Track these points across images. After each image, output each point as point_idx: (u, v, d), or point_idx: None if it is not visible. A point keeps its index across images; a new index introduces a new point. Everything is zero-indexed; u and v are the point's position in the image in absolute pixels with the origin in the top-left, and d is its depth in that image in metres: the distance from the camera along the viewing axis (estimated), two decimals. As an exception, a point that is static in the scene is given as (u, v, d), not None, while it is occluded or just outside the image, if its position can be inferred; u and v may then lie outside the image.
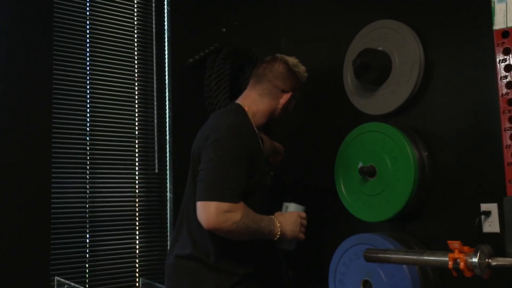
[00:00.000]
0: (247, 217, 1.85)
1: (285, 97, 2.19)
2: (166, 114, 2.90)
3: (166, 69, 2.91)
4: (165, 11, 2.92)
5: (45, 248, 2.31)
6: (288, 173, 2.78)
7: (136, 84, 2.83)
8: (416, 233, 2.28)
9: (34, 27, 2.45)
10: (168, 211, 2.79)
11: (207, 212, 1.79)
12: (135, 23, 2.87)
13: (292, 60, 2.24)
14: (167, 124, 2.88)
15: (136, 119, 2.83)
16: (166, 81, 2.91)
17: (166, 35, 2.92)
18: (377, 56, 2.34)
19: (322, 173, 2.61)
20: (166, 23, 2.92)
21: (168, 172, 2.83)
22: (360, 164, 2.32)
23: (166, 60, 2.91)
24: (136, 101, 2.85)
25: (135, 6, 2.86)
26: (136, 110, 2.84)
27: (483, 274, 1.58)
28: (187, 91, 2.88)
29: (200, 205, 1.82)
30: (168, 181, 2.83)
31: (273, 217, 2.02)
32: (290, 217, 2.07)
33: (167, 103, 2.89)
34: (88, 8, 2.68)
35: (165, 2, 2.93)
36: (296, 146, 2.80)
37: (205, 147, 1.93)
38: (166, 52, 2.91)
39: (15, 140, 2.35)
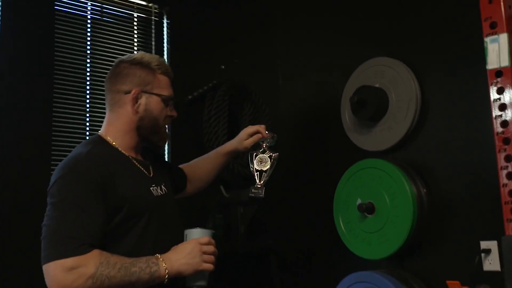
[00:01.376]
0: (106, 266, 1.47)
1: (131, 96, 1.73)
2: (165, 151, 2.88)
3: None
4: (165, 48, 2.96)
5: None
6: (285, 208, 2.76)
7: None
8: (415, 270, 2.25)
9: (34, 58, 2.50)
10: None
11: (49, 276, 1.44)
12: None
13: (133, 55, 1.83)
14: (166, 159, 2.87)
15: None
16: None
17: None
18: (374, 93, 2.36)
19: (320, 209, 2.59)
20: (165, 59, 2.95)
21: None
22: (359, 201, 2.30)
23: None
24: None
25: (135, 43, 2.90)
26: None
27: (483, 314, 1.55)
28: (186, 127, 2.88)
29: (43, 270, 1.47)
30: None
31: (158, 255, 1.61)
32: (183, 249, 1.64)
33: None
34: (89, 47, 2.71)
35: (165, 39, 2.97)
36: (294, 182, 2.78)
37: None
38: None
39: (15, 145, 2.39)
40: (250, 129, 2.08)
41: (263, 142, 1.97)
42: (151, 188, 1.73)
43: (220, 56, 3.03)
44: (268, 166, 1.91)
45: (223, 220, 2.79)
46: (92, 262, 1.45)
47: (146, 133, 1.77)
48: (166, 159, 2.86)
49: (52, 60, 2.55)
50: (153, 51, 2.93)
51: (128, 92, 1.73)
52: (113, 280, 1.47)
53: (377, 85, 2.39)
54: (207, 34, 3.06)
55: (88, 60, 2.69)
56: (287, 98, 2.98)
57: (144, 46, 2.93)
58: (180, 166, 2.19)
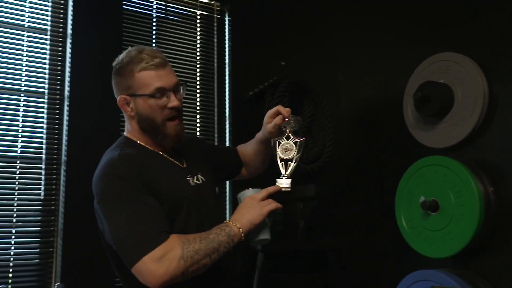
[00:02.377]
0: (188, 243, 1.50)
1: (120, 105, 1.70)
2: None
3: (227, 101, 2.98)
4: (226, 45, 3.01)
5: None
6: (345, 205, 2.74)
7: (198, 116, 2.89)
8: (481, 270, 2.19)
9: (104, 56, 2.52)
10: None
11: (144, 273, 1.46)
12: (198, 57, 2.96)
13: (117, 60, 1.72)
14: None
15: (203, 141, 2.84)
16: (227, 114, 2.98)
17: (227, 69, 3.00)
18: (439, 89, 2.31)
19: (381, 206, 2.56)
20: (227, 57, 3.00)
21: (227, 203, 2.87)
22: (422, 198, 2.27)
23: (227, 93, 2.99)
24: (198, 133, 2.92)
25: (198, 41, 2.96)
26: None
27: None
28: (246, 124, 2.84)
29: (134, 272, 1.48)
30: (227, 199, 2.87)
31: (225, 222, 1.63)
32: (241, 208, 1.64)
33: (227, 135, 2.96)
34: (154, 44, 2.80)
35: (226, 36, 3.01)
36: (355, 178, 2.76)
37: (96, 212, 1.60)
38: (227, 86, 2.99)
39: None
40: (271, 111, 1.86)
41: (286, 127, 1.75)
42: (187, 178, 1.70)
43: (281, 52, 3.03)
44: (293, 154, 1.70)
45: (283, 216, 2.79)
46: (176, 245, 1.48)
47: (151, 134, 1.69)
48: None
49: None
50: (215, 48, 2.99)
51: (116, 101, 1.71)
52: (200, 252, 1.50)
53: (441, 81, 2.34)
54: (268, 31, 3.07)
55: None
56: (348, 95, 2.95)
57: (206, 43, 2.98)
58: (238, 147, 2.13)
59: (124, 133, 1.74)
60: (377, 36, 2.80)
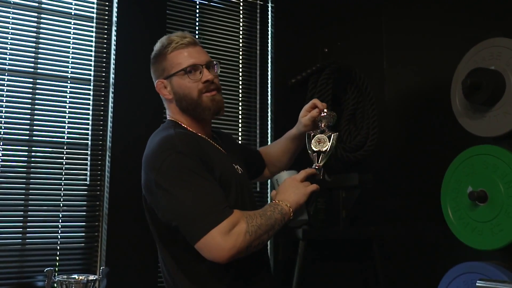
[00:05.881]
0: (250, 218, 1.51)
1: (158, 90, 1.73)
2: (268, 134, 2.94)
3: (269, 89, 2.95)
4: (269, 32, 2.98)
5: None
6: (389, 194, 2.71)
7: (240, 104, 2.90)
8: (532, 264, 2.13)
9: (149, 43, 2.56)
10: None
11: (211, 246, 1.45)
12: (240, 44, 2.95)
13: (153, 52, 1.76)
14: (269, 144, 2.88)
15: (240, 138, 2.88)
16: (269, 101, 2.95)
17: (269, 56, 2.97)
18: (489, 76, 2.24)
19: (427, 196, 2.51)
20: (269, 44, 2.97)
21: (268, 191, 2.86)
22: (470, 189, 2.24)
23: (269, 80, 2.96)
24: (240, 120, 2.91)
25: (241, 27, 2.95)
26: (240, 130, 2.91)
27: None
28: (289, 111, 2.75)
29: (199, 246, 1.47)
30: (269, 199, 2.84)
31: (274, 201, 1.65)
32: (284, 187, 1.66)
33: (269, 122, 2.93)
34: (197, 32, 2.80)
35: (269, 24, 2.98)
36: (399, 167, 2.72)
37: (148, 190, 1.57)
38: (269, 72, 2.96)
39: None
40: (307, 105, 1.88)
41: (321, 121, 1.76)
42: (233, 164, 1.71)
43: (324, 39, 2.99)
44: (327, 147, 1.70)
45: (325, 205, 2.78)
46: (240, 219, 1.48)
47: (191, 113, 1.69)
48: (269, 141, 2.88)
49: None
50: (258, 34, 2.96)
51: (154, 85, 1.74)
52: (262, 228, 1.51)
53: (492, 68, 2.27)
54: (311, 17, 3.03)
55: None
56: (392, 82, 2.91)
57: (249, 30, 2.96)
58: (259, 149, 2.15)
59: (167, 117, 1.75)
60: (424, 21, 2.75)
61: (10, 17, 2.41)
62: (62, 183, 2.45)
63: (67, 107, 2.50)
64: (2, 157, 2.34)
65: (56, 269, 2.37)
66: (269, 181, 2.84)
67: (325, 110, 1.79)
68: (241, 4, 2.94)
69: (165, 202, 1.50)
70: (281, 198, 1.62)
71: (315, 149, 1.72)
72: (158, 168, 1.52)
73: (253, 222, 1.50)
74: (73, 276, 1.98)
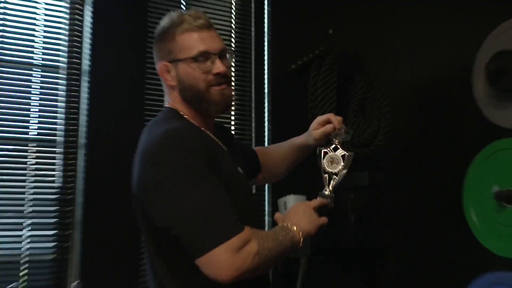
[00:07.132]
0: (262, 239, 1.42)
1: (159, 73, 1.63)
2: (264, 128, 2.86)
3: (266, 77, 2.87)
4: (265, 12, 2.88)
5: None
6: (403, 195, 2.65)
7: (233, 93, 2.72)
8: None
9: (127, 30, 2.49)
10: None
11: (217, 263, 1.34)
12: (233, 25, 2.85)
13: (158, 27, 1.66)
14: (266, 139, 2.82)
15: (233, 133, 2.72)
16: (265, 91, 2.87)
17: (265, 39, 2.88)
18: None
19: (446, 197, 2.46)
20: (266, 25, 2.88)
21: (266, 191, 2.76)
22: (496, 188, 2.21)
23: (266, 67, 2.87)
24: (233, 112, 2.81)
25: (233, 6, 2.84)
26: (232, 123, 2.80)
27: None
28: (288, 102, 2.79)
29: (202, 261, 1.37)
30: (266, 201, 2.76)
31: (280, 223, 1.57)
32: (298, 212, 1.59)
33: (265, 115, 2.85)
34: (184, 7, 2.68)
35: (265, 3, 2.88)
36: (414, 164, 2.65)
37: (144, 188, 1.47)
38: (266, 58, 2.88)
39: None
40: (321, 118, 1.85)
41: (335, 137, 1.73)
42: (236, 165, 1.64)
43: (328, 19, 2.91)
44: (340, 168, 1.66)
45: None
46: (252, 238, 1.39)
47: (195, 106, 1.59)
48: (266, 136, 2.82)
49: (145, 31, 2.52)
50: (253, 15, 2.86)
51: (156, 68, 1.65)
52: (272, 253, 1.43)
53: (521, 49, 2.20)
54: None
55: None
56: (406, 67, 2.86)
57: (243, 9, 2.86)
58: (256, 148, 2.05)
59: (166, 104, 1.64)
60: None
61: (-33, -5, 2.25)
62: (27, 186, 2.28)
63: (31, 98, 2.33)
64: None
65: (21, 285, 2.21)
66: (266, 185, 2.75)
67: (341, 125, 1.77)
68: (233, -21, 2.87)
69: (165, 206, 1.39)
70: (294, 223, 1.54)
71: (327, 170, 1.68)
72: (159, 165, 1.41)
73: (264, 245, 1.42)
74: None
